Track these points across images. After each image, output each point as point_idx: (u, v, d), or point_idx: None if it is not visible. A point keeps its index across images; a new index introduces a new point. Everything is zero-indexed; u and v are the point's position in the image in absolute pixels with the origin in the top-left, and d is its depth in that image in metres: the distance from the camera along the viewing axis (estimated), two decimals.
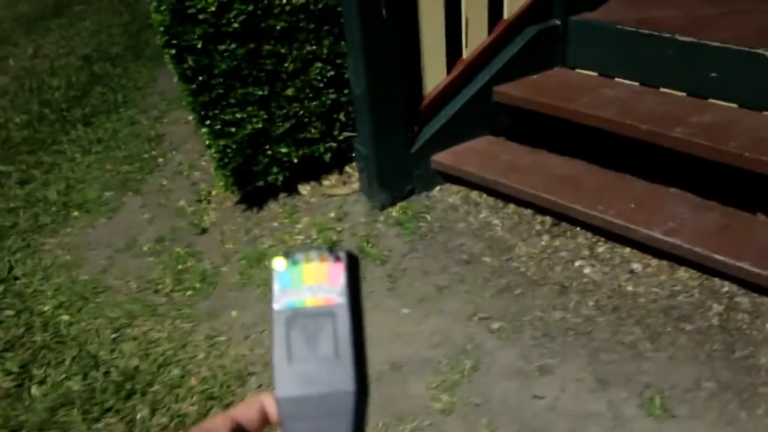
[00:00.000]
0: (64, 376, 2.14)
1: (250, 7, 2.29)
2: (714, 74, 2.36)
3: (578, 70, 2.69)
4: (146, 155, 3.31)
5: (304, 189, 2.82)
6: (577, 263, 2.31)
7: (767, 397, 1.82)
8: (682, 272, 2.21)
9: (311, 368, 0.46)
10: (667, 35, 2.41)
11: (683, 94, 2.46)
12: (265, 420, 0.49)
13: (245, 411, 0.49)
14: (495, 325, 2.14)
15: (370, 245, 2.49)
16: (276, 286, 0.48)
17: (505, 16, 2.58)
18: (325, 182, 2.83)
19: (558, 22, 2.62)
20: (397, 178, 2.60)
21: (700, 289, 2.15)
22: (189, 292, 2.48)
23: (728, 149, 2.14)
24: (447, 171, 2.62)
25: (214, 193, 2.92)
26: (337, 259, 0.48)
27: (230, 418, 0.49)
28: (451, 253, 2.42)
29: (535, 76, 2.66)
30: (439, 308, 2.22)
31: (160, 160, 3.28)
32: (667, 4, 2.69)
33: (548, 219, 2.47)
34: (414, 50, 2.44)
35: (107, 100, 3.83)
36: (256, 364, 2.12)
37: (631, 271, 2.25)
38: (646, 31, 2.46)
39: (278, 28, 2.38)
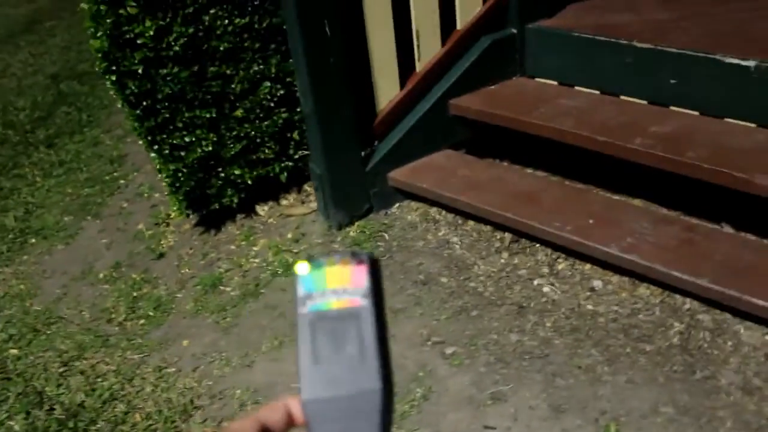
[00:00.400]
0: (6, 415, 2.08)
1: (191, 30, 2.23)
2: (673, 81, 2.29)
3: (538, 79, 2.62)
4: (108, 177, 3.25)
5: (262, 209, 2.75)
6: (536, 282, 2.24)
7: (726, 421, 1.74)
8: (644, 289, 2.13)
9: (337, 370, 0.47)
10: (625, 42, 2.33)
11: (644, 102, 2.39)
12: (290, 422, 0.49)
13: (271, 413, 0.49)
14: (449, 350, 2.07)
15: None
16: (300, 290, 0.48)
17: (459, 26, 2.50)
18: (284, 202, 2.76)
19: (514, 30, 2.55)
20: (353, 196, 2.53)
21: (661, 306, 2.07)
22: (142, 321, 2.42)
23: (686, 160, 2.07)
24: (404, 188, 2.55)
25: (172, 215, 2.86)
26: (360, 261, 0.48)
27: (257, 421, 0.49)
28: (408, 274, 2.35)
29: (492, 87, 2.59)
30: (393, 333, 2.15)
31: (122, 181, 3.21)
32: (625, 9, 2.62)
33: (508, 235, 2.40)
34: (363, 66, 2.37)
35: (72, 119, 3.77)
36: (203, 397, 2.06)
37: (592, 289, 2.18)
38: (604, 38, 2.39)
39: (222, 49, 2.31)
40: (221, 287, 2.49)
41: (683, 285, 1.97)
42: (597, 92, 2.48)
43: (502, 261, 2.33)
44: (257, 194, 2.72)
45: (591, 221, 2.19)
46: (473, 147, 2.69)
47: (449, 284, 2.28)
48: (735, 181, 2.00)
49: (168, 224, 2.84)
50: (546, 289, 2.21)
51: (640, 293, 2.12)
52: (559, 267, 2.27)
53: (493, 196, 2.37)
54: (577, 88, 2.53)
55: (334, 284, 0.48)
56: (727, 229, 2.24)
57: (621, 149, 2.18)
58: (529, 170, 2.67)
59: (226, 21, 2.27)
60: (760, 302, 1.84)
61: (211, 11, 2.24)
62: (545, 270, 2.27)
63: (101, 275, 2.67)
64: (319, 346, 0.47)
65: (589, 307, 2.13)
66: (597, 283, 2.20)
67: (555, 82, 2.58)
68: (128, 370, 2.20)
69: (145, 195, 3.06)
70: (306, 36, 2.17)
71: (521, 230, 2.30)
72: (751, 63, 2.11)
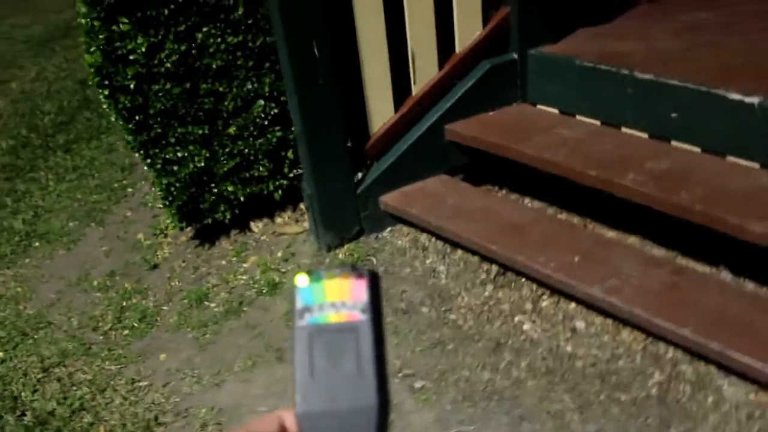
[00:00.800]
0: None
1: (183, 47, 2.24)
2: (674, 115, 2.19)
3: (539, 106, 2.55)
4: (117, 184, 3.31)
5: (256, 226, 2.75)
6: (517, 318, 2.17)
7: None
8: (627, 333, 2.03)
9: (334, 384, 0.46)
10: (626, 72, 2.24)
11: (645, 134, 2.29)
12: None
13: (265, 426, 0.48)
14: (418, 384, 2.02)
15: None
16: (298, 303, 0.48)
17: (457, 50, 2.45)
18: (278, 220, 2.75)
19: (515, 55, 2.48)
20: (344, 218, 2.50)
21: (642, 353, 1.97)
22: (126, 332, 2.44)
23: (678, 201, 1.97)
24: (395, 213, 2.50)
25: (170, 228, 2.88)
26: (360, 276, 0.48)
27: None
28: (390, 301, 2.31)
29: (491, 113, 2.52)
30: None
31: (129, 190, 3.27)
32: (634, 36, 2.52)
33: (495, 267, 2.32)
34: (356, 88, 2.34)
35: (92, 125, 3.86)
36: (168, 414, 2.05)
37: (573, 330, 2.09)
38: (606, 67, 2.30)
39: (215, 66, 2.32)
40: (206, 302, 2.49)
41: (664, 333, 1.87)
42: (597, 122, 2.40)
43: (486, 294, 2.26)
44: (252, 211, 2.72)
45: (577, 258, 2.11)
46: (471, 172, 2.64)
47: (429, 315, 2.22)
48: (729, 227, 1.89)
49: (166, 235, 2.87)
50: (526, 326, 2.14)
51: (623, 338, 2.03)
52: (543, 304, 2.19)
53: (481, 226, 2.30)
54: (578, 117, 2.44)
55: (333, 298, 0.47)
56: (725, 274, 2.12)
57: (611, 185, 2.09)
58: (525, 199, 2.59)
59: (219, 39, 2.28)
60: (744, 358, 1.72)
61: (204, 29, 2.25)
62: (528, 306, 2.19)
63: (95, 283, 2.71)
64: (316, 359, 0.46)
65: (568, 348, 2.04)
66: (580, 324, 2.11)
67: (556, 110, 2.50)
68: (103, 381, 2.22)
69: (149, 205, 3.10)
70: (293, 55, 2.16)
71: (506, 263, 2.23)
72: (755, 100, 2.00)
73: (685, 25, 2.60)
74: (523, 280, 2.27)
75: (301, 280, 0.48)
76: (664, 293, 1.94)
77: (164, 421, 2.03)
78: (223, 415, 2.02)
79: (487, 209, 2.38)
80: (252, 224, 2.75)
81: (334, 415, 0.45)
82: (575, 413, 1.85)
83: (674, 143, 2.22)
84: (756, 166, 2.05)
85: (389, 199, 2.51)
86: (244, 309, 2.42)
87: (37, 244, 2.99)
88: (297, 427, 0.46)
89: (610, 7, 2.81)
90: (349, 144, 2.42)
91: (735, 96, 2.03)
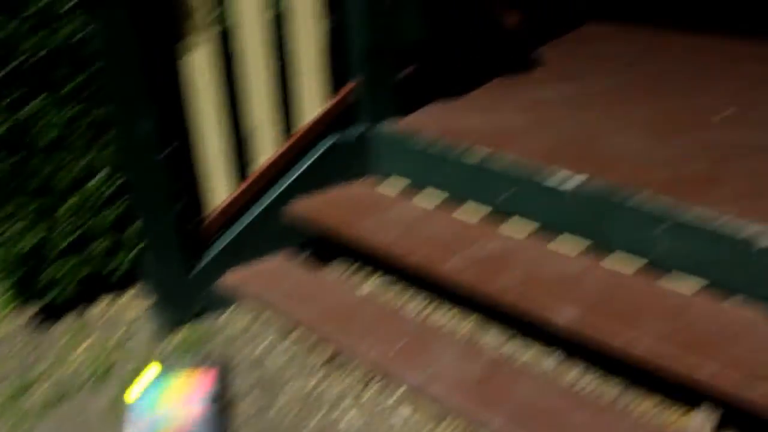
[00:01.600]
0: None
1: (14, 117, 2.15)
2: (505, 194, 2.17)
3: (387, 182, 2.50)
4: None
5: (96, 306, 2.61)
6: (342, 406, 2.05)
7: None
8: (448, 423, 1.94)
9: None
10: (463, 148, 2.23)
11: (483, 213, 2.26)
12: None
13: None
14: None
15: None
16: (129, 419, 0.36)
17: (300, 124, 2.41)
18: (120, 300, 2.62)
19: (363, 130, 2.45)
20: (181, 300, 2.39)
21: None
22: None
23: (491, 290, 1.92)
24: (234, 294, 2.40)
25: (3, 307, 2.72)
26: (205, 368, 0.36)
27: None
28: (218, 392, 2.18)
29: (334, 190, 2.47)
30: None
31: None
32: (482, 111, 2.52)
33: (327, 351, 2.23)
34: (187, 164, 2.27)
35: None
36: None
37: (399, 417, 1.99)
38: (445, 143, 2.29)
39: (48, 138, 2.23)
40: (30, 392, 2.32)
41: (479, 423, 1.78)
42: (439, 200, 2.36)
43: (314, 382, 2.15)
44: (92, 289, 2.59)
45: (402, 344, 2.03)
46: (319, 249, 2.56)
47: (248, 410, 2.08)
48: (535, 317, 1.85)
49: (6, 314, 2.70)
50: (349, 415, 2.03)
51: (444, 427, 1.93)
52: (371, 391, 2.09)
53: (316, 308, 2.21)
54: (422, 193, 2.41)
55: (170, 402, 0.40)
56: (549, 363, 2.06)
57: (433, 272, 2.04)
58: (369, 279, 2.52)
59: (54, 110, 2.20)
60: None
61: (37, 100, 2.17)
62: (355, 392, 2.09)
63: None
64: None
65: None
66: (406, 412, 2.01)
67: (401, 187, 2.46)
68: None
69: None
70: (123, 131, 2.08)
71: (337, 348, 2.14)
72: (569, 186, 1.99)
73: (534, 102, 2.62)
74: (355, 363, 2.18)
75: (134, 391, 0.42)
76: (482, 383, 1.87)
77: None
78: None
79: (324, 290, 2.30)
80: (92, 304, 2.61)
81: None
82: None
83: (507, 223, 2.20)
84: (572, 253, 2.03)
85: (228, 280, 2.41)
86: (66, 400, 2.26)
87: None
88: None
89: (470, 80, 2.82)
90: (189, 222, 2.34)
91: (554, 180, 2.03)
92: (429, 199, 2.37)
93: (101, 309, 2.60)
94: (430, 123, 2.45)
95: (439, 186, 2.34)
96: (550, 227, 2.07)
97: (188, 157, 2.26)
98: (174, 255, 2.31)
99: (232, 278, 2.40)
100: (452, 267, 1.98)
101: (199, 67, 2.17)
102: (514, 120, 2.45)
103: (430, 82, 2.73)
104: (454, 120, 2.47)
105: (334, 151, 2.44)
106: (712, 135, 2.25)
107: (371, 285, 2.48)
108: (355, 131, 2.45)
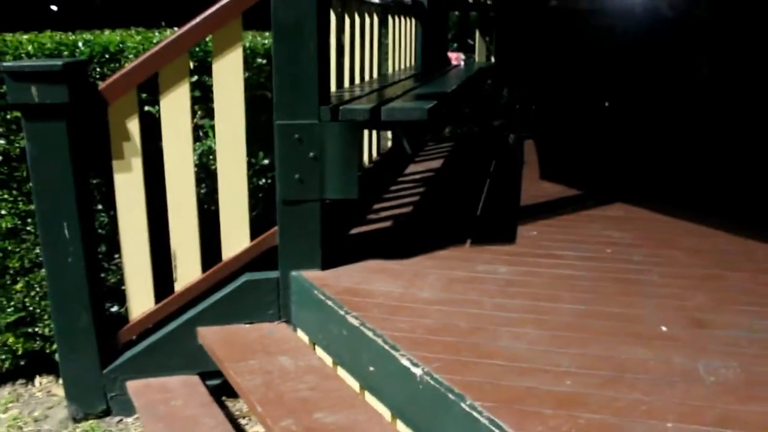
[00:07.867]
0: None
1: None
2: (372, 368, 2.13)
3: (297, 330, 2.56)
4: None
5: (40, 381, 2.89)
6: None
7: None
8: None
9: None
10: (342, 313, 2.23)
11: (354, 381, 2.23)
12: None
13: None
14: None
15: None
16: None
17: (223, 257, 2.58)
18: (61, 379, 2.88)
19: (277, 275, 2.55)
20: (88, 394, 2.57)
21: None
22: None
23: None
24: (132, 401, 2.55)
25: None
26: None
27: None
28: None
29: (245, 326, 2.57)
30: None
31: None
32: (406, 278, 2.50)
33: None
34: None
35: None
36: None
37: None
38: (331, 304, 2.30)
39: (5, 227, 2.61)
40: None
41: None
42: (326, 358, 2.37)
43: None
44: (40, 365, 2.88)
45: None
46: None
47: None
48: None
49: None
50: None
51: None
52: None
53: None
54: (316, 348, 2.43)
55: None
56: None
57: (265, 427, 2.04)
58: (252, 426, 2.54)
59: (11, 204, 2.60)
60: None
61: None
62: None
63: None
64: None
65: None
66: None
67: (305, 338, 2.50)
68: None
69: None
70: (45, 234, 2.38)
71: None
72: (419, 371, 1.91)
73: (457, 278, 2.53)
74: None
75: None
76: None
77: None
78: None
79: (194, 421, 2.37)
80: (37, 378, 2.90)
81: None
82: None
83: (370, 397, 2.15)
84: None
85: (132, 386, 2.57)
86: None
87: None
88: None
89: (417, 244, 2.82)
90: (109, 323, 2.57)
91: (406, 362, 1.97)
92: (317, 356, 2.39)
93: (44, 384, 2.87)
94: (340, 281, 2.45)
95: (324, 343, 2.34)
96: (398, 409, 2.00)
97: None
98: (88, 350, 2.49)
99: (135, 386, 2.55)
100: (284, 428, 1.97)
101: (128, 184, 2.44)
102: (425, 293, 2.41)
103: (366, 240, 2.78)
104: (365, 282, 2.44)
105: (247, 289, 2.54)
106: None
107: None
108: (271, 274, 2.56)
